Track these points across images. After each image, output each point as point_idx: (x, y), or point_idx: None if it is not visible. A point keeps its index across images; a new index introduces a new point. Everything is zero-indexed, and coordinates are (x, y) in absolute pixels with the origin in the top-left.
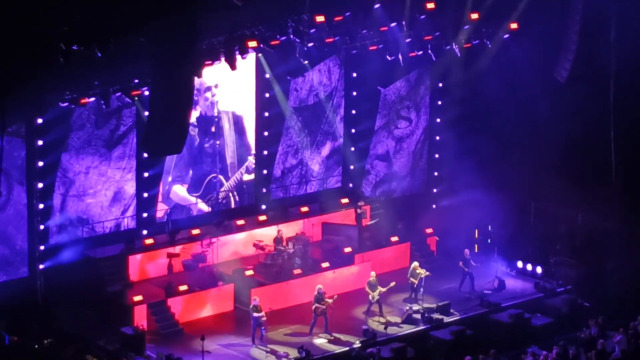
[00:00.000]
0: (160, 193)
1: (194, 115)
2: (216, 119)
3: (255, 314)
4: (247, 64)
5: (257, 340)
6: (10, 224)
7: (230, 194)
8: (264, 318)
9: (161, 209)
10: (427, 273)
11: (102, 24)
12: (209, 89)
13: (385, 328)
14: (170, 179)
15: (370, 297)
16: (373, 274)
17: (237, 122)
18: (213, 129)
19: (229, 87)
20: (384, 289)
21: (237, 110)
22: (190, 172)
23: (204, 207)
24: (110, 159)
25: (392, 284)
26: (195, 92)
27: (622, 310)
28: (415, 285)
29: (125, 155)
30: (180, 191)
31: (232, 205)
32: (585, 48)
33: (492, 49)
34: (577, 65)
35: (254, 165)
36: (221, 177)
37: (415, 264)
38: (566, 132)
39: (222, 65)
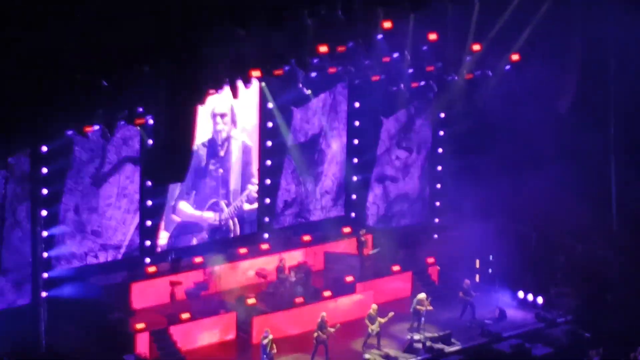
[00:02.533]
0: (163, 221)
1: (206, 136)
2: (226, 144)
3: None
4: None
5: None
6: (14, 252)
7: (231, 221)
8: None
9: (163, 237)
10: (431, 308)
11: (108, 53)
12: (224, 114)
13: (386, 358)
14: (177, 193)
15: (370, 330)
16: (374, 306)
17: (246, 152)
18: (222, 154)
19: (243, 116)
20: (383, 320)
21: (248, 140)
22: (194, 193)
23: (210, 216)
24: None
25: (391, 314)
26: (211, 114)
27: (622, 341)
28: (419, 314)
29: (113, 193)
30: (186, 208)
31: (232, 234)
32: (585, 79)
33: (494, 79)
34: (578, 96)
35: (256, 195)
36: (223, 202)
37: (423, 295)
38: (567, 163)
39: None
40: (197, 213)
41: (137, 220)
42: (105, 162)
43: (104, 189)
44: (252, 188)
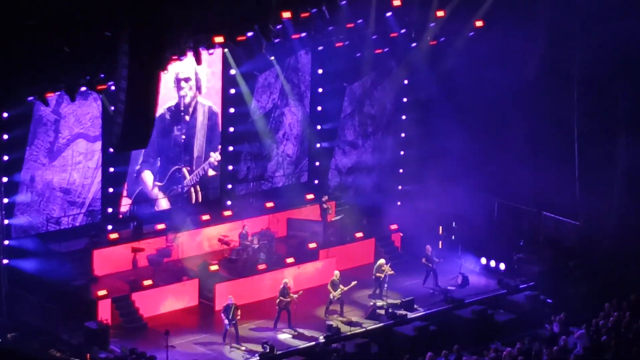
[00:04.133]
0: (125, 188)
1: (171, 102)
2: (191, 109)
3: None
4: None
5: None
6: None
7: (192, 189)
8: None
9: (125, 204)
10: (392, 272)
11: (69, 17)
12: (188, 79)
13: (349, 324)
14: (140, 160)
15: (331, 296)
16: (337, 273)
17: (212, 117)
18: (187, 119)
19: (209, 82)
20: (345, 288)
21: (214, 105)
22: (159, 161)
23: (164, 204)
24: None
25: (354, 283)
26: (174, 79)
27: (584, 307)
28: (380, 281)
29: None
30: (148, 178)
31: (193, 201)
32: (551, 45)
33: (457, 46)
34: (544, 62)
35: (217, 162)
36: (185, 169)
37: (382, 260)
38: (532, 128)
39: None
40: (155, 193)
41: (94, 190)
42: (59, 137)
43: (59, 161)
44: (216, 155)
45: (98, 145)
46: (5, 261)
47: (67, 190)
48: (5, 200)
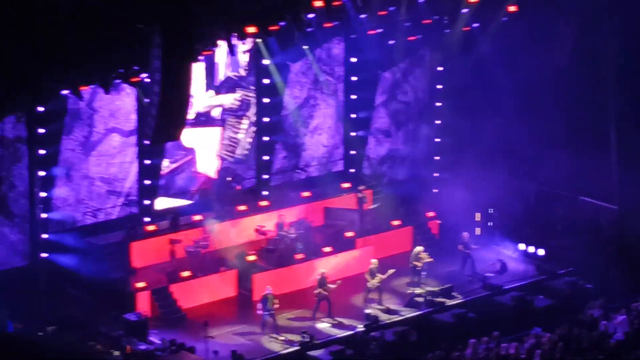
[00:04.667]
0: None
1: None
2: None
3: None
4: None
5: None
6: (12, 214)
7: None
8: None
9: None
10: (430, 259)
11: (102, 11)
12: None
13: (388, 313)
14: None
15: (370, 285)
16: (374, 261)
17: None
18: None
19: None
20: (383, 276)
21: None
22: None
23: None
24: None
25: (392, 271)
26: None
27: (623, 292)
28: (418, 269)
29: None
30: (166, 202)
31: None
32: (584, 30)
33: (491, 32)
34: (576, 48)
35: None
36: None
37: (419, 248)
38: (568, 112)
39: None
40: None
41: (129, 183)
42: (94, 131)
43: (94, 155)
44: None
45: (132, 139)
46: (43, 255)
47: (107, 180)
48: (43, 194)
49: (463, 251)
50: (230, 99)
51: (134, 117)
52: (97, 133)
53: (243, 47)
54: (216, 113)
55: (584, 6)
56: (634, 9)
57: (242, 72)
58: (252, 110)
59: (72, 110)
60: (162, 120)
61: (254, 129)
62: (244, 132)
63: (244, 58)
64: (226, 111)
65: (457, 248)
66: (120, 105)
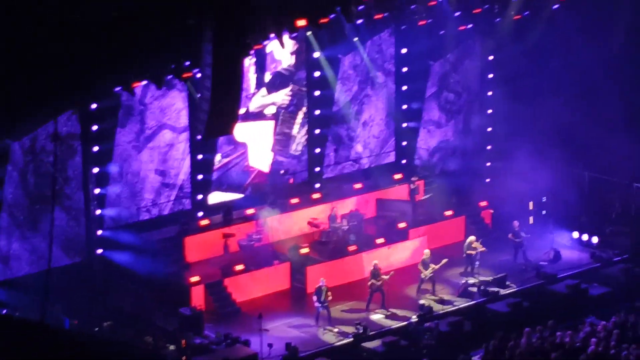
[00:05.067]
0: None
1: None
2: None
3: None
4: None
5: (320, 321)
6: (67, 210)
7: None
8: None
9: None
10: (483, 248)
11: (152, 6)
12: None
13: (441, 303)
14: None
15: (423, 275)
16: (427, 251)
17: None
18: None
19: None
20: (436, 267)
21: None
22: None
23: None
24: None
25: (445, 260)
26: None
27: None
28: (471, 258)
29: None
30: (218, 197)
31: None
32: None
33: (542, 19)
34: (630, 33)
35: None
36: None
37: (472, 238)
38: (622, 99)
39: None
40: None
41: (182, 179)
42: (145, 127)
43: (146, 151)
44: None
45: (183, 136)
46: (99, 251)
47: (159, 175)
48: (97, 191)
49: (512, 239)
50: (281, 96)
51: (184, 113)
52: (149, 129)
53: (289, 48)
54: (270, 111)
55: None
56: None
57: (292, 68)
58: (305, 105)
59: (124, 106)
60: (214, 114)
61: (306, 125)
62: (298, 128)
63: (291, 57)
64: (279, 107)
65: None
66: (171, 102)
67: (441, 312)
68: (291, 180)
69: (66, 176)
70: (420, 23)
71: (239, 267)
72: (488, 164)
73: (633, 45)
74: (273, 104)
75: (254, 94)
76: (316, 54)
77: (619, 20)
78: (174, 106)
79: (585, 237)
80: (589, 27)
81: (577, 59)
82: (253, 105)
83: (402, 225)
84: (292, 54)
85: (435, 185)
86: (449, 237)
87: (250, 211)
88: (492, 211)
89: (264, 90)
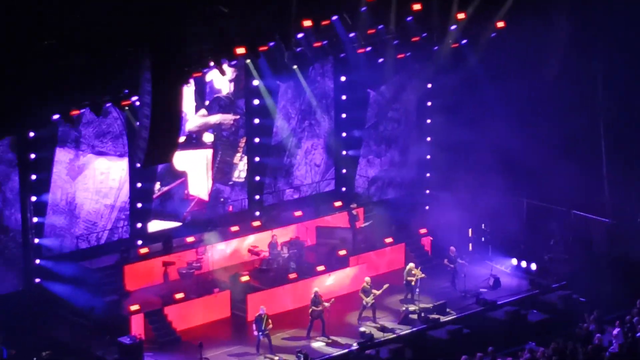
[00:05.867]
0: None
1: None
2: None
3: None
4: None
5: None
6: (5, 238)
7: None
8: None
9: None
10: (423, 275)
11: (91, 35)
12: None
13: (382, 330)
14: None
15: (365, 302)
16: (367, 279)
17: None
18: None
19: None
20: (378, 292)
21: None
22: None
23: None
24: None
25: (386, 286)
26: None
27: (617, 305)
28: (411, 286)
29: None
30: (158, 225)
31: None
32: (572, 46)
33: (480, 48)
34: (565, 63)
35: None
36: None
37: (411, 265)
38: (558, 129)
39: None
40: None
41: (117, 208)
42: (80, 155)
43: (81, 180)
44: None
45: (120, 164)
46: (37, 280)
47: (98, 201)
48: (35, 220)
49: (447, 265)
50: (220, 118)
51: (121, 140)
52: (83, 156)
53: (228, 76)
54: (208, 139)
55: (571, 21)
56: (620, 25)
57: (231, 96)
58: (245, 132)
59: (59, 133)
60: (154, 142)
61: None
62: (239, 156)
63: (230, 85)
64: (219, 135)
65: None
66: (107, 130)
67: (382, 339)
68: (230, 208)
69: (5, 197)
70: (359, 51)
71: (179, 296)
72: (427, 191)
73: (569, 73)
74: (212, 130)
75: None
76: (255, 82)
77: (555, 48)
78: (109, 134)
79: (524, 264)
80: (525, 55)
81: (516, 87)
82: (192, 124)
83: (342, 252)
84: (231, 81)
85: (375, 212)
86: (389, 264)
87: (190, 239)
88: (431, 238)
89: (203, 111)
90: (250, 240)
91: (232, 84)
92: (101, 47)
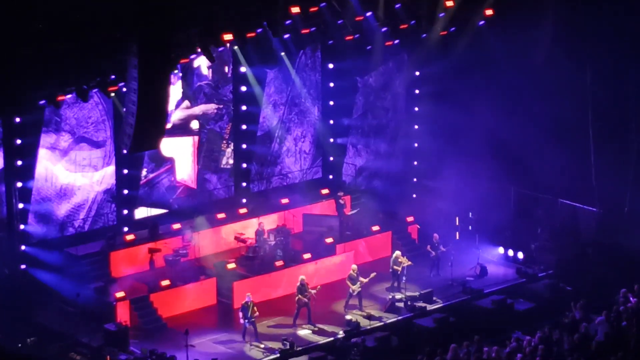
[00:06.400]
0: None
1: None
2: None
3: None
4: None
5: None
6: None
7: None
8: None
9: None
10: (409, 262)
11: (78, 20)
12: None
13: (368, 318)
14: None
15: (351, 291)
16: (354, 267)
17: None
18: None
19: None
20: (365, 280)
21: None
22: None
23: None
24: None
25: (373, 274)
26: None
27: (603, 294)
28: (397, 274)
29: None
30: (144, 211)
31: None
32: (560, 31)
33: (468, 35)
34: (553, 48)
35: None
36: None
37: (398, 253)
38: (546, 116)
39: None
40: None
41: (101, 193)
42: (60, 140)
43: (64, 164)
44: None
45: (103, 150)
46: (22, 266)
47: (80, 189)
48: (20, 206)
49: (429, 251)
50: (207, 110)
51: (103, 126)
52: (65, 142)
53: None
54: (195, 126)
55: (560, 8)
56: (609, 12)
57: (218, 83)
58: (231, 119)
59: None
60: (141, 128)
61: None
62: (226, 143)
63: (217, 71)
64: (205, 122)
65: (438, 252)
66: (89, 114)
67: (368, 327)
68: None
69: None
70: (347, 38)
71: (165, 283)
72: (415, 179)
73: (558, 61)
74: (197, 118)
75: (177, 105)
76: (243, 69)
77: (543, 35)
78: (91, 119)
79: (510, 252)
80: (513, 43)
81: (504, 75)
82: (175, 117)
83: (329, 240)
84: (213, 68)
85: (362, 200)
86: (376, 252)
87: (176, 226)
88: (418, 226)
89: (186, 102)
90: (236, 227)
91: (220, 70)
92: (88, 32)
